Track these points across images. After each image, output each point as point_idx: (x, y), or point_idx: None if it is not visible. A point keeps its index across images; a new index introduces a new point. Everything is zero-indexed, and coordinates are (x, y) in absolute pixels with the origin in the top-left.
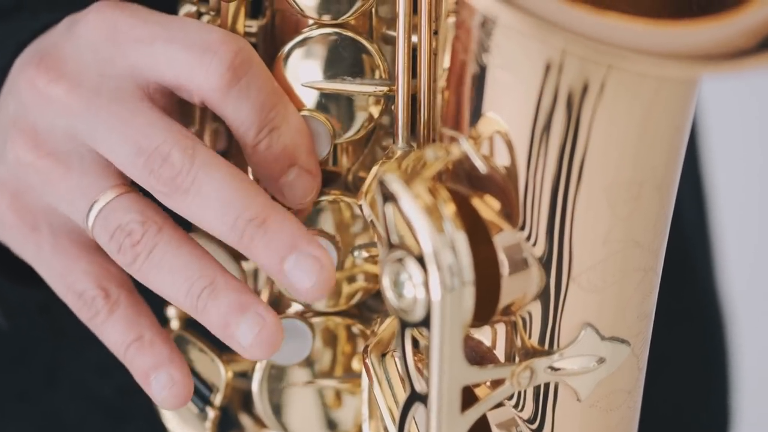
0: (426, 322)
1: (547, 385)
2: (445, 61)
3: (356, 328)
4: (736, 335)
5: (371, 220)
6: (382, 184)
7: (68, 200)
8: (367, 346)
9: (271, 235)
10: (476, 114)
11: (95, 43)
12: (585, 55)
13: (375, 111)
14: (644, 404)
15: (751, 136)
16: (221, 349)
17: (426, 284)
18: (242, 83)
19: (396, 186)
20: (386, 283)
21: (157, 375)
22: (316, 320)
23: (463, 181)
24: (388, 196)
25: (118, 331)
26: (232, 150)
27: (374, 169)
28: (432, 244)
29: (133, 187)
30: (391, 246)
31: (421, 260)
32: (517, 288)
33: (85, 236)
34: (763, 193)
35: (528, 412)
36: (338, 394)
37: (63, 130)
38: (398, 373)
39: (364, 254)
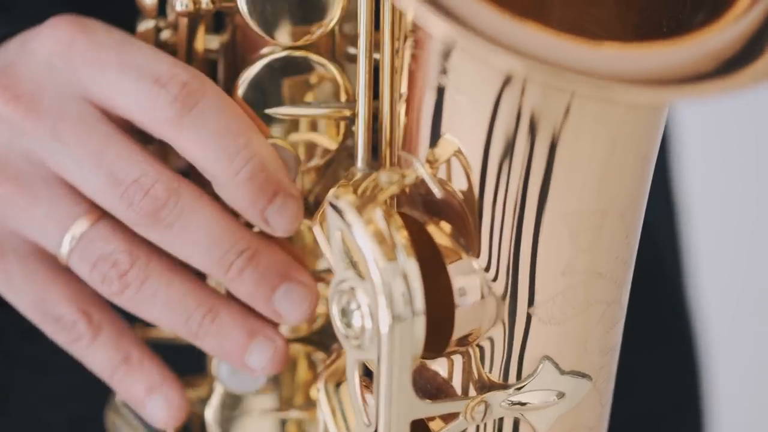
0: (374, 353)
1: (506, 420)
2: (404, 83)
3: (316, 356)
4: (709, 351)
5: (323, 246)
6: (332, 209)
7: (37, 228)
8: (321, 374)
9: (264, 267)
10: (434, 137)
11: (50, 61)
12: (545, 82)
13: (339, 135)
14: (617, 427)
15: (724, 148)
16: (178, 374)
17: (375, 313)
18: (194, 113)
19: (347, 211)
20: (335, 311)
21: (152, 398)
22: None
23: (419, 207)
24: (339, 222)
25: (104, 355)
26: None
27: (330, 193)
28: (381, 272)
29: (103, 212)
30: (340, 273)
31: (370, 288)
32: (473, 319)
33: (54, 258)
34: (742, 206)
35: None
36: (297, 424)
37: (22, 153)
38: None
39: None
